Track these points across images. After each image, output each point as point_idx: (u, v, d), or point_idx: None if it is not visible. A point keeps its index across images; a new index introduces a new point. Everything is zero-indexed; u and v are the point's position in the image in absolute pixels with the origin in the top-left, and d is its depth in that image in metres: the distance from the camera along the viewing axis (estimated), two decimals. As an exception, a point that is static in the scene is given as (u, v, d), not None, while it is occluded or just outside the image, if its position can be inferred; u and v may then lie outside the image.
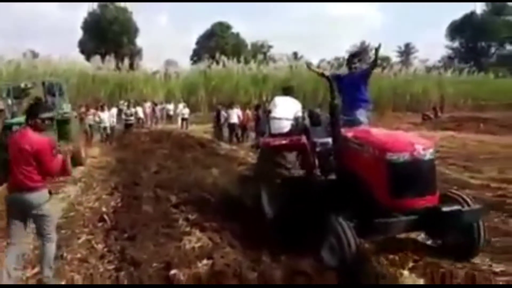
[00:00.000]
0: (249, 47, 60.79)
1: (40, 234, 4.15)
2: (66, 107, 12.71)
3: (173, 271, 4.23)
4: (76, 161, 11.58)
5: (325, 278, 3.88)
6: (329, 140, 5.15)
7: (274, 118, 6.19)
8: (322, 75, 5.54)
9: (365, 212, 4.18)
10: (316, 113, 6.13)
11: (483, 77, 44.47)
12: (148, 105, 26.59)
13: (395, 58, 67.32)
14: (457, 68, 48.03)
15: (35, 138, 4.02)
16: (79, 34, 52.17)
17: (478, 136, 19.01)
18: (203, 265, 4.47)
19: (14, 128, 9.47)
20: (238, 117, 18.83)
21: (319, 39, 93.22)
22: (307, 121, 5.95)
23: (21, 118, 10.00)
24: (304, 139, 5.63)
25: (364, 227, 4.09)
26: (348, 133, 4.85)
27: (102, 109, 19.58)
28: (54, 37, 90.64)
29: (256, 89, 33.46)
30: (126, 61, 34.65)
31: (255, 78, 34.23)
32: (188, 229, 5.68)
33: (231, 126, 18.64)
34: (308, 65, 6.38)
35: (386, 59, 63.89)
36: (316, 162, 5.49)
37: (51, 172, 4.18)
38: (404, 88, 37.36)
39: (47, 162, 4.01)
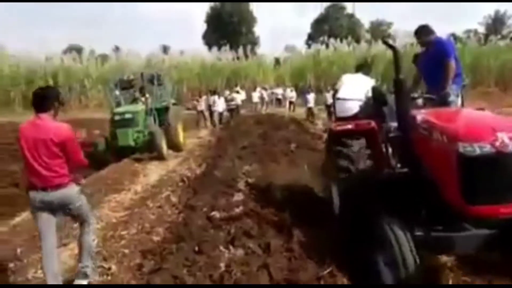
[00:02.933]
0: (366, 26, 60.06)
1: (78, 222, 3.98)
2: (166, 96, 13.75)
3: (213, 213, 5.67)
4: (175, 146, 12.46)
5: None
6: None
7: (339, 99, 5.49)
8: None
9: (431, 219, 3.39)
10: (380, 90, 5.33)
11: None
12: (258, 90, 28.47)
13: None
14: None
15: (57, 127, 3.57)
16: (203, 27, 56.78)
17: None
18: (239, 211, 5.82)
19: (116, 117, 11.23)
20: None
21: (450, 11, 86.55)
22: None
23: (127, 107, 12.12)
24: (373, 123, 4.76)
25: (424, 240, 3.24)
26: (419, 115, 3.88)
27: (213, 94, 21.61)
28: (185, 32, 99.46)
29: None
30: (241, 50, 37.19)
31: (363, 59, 34.05)
32: (242, 186, 7.06)
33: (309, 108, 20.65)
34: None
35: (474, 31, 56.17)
36: (390, 151, 4.56)
37: (83, 162, 3.77)
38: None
39: (77, 151, 3.64)
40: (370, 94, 5.26)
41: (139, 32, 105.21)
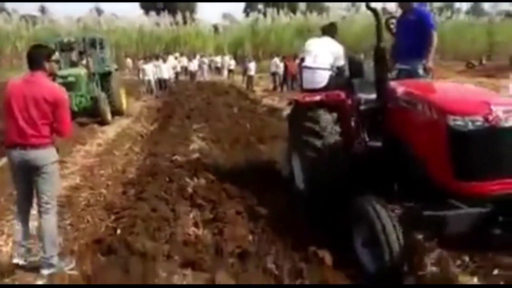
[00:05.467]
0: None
1: (38, 202, 3.52)
2: (108, 61, 13.45)
3: (175, 157, 6.90)
4: (118, 111, 12.41)
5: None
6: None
7: (306, 67, 5.07)
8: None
9: (415, 196, 3.23)
10: (358, 59, 5.03)
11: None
12: (197, 57, 29.20)
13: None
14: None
15: (52, 86, 3.48)
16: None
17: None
18: (196, 156, 7.09)
19: (58, 80, 10.33)
20: (277, 66, 20.75)
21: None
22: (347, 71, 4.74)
23: (70, 70, 11.75)
24: (343, 94, 4.47)
25: (413, 220, 3.05)
26: (398, 86, 3.76)
27: (157, 60, 21.73)
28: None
29: (300, 41, 35.07)
30: (180, 16, 37.37)
31: (300, 29, 35.78)
32: (195, 139, 8.33)
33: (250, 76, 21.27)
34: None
35: (450, 5, 62.33)
36: (359, 124, 4.29)
37: (67, 131, 3.56)
38: (453, 37, 37.09)
39: (66, 117, 3.48)
40: (339, 62, 4.99)
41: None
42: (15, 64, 32.03)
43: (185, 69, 26.79)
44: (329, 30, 5.39)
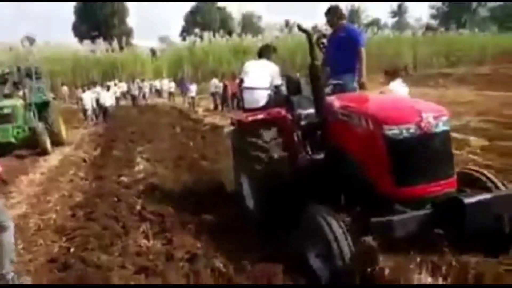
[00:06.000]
0: (238, 19, 63.31)
1: None
2: (45, 91, 13.16)
3: (121, 178, 7.12)
4: (57, 141, 12.14)
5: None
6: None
7: (246, 88, 5.27)
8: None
9: (361, 204, 3.37)
10: (294, 78, 5.28)
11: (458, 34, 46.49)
12: (136, 82, 29.13)
13: (389, 19, 70.20)
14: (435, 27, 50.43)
15: None
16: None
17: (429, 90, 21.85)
18: (141, 176, 7.33)
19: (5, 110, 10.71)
20: (216, 86, 21.24)
21: (313, 8, 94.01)
22: (284, 89, 5.07)
23: (4, 102, 11.36)
24: (283, 111, 4.72)
25: (361, 227, 3.13)
26: (335, 101, 3.93)
27: (94, 87, 21.60)
28: (50, 22, 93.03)
29: (237, 61, 35.94)
30: (116, 42, 37.12)
31: (236, 50, 36.67)
32: (140, 160, 8.57)
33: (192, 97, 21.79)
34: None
35: (377, 21, 66.87)
36: (301, 139, 4.54)
37: None
38: (377, 51, 39.48)
39: None
40: (276, 82, 5.20)
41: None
42: None
43: (124, 94, 26.67)
44: (265, 52, 5.60)
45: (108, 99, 19.25)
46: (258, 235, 4.32)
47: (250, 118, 4.73)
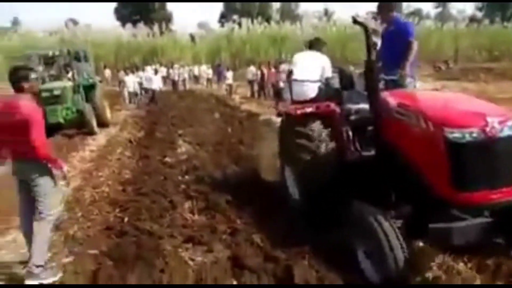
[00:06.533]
0: (277, 5, 63.17)
1: (35, 210, 3.66)
2: (92, 73, 13.81)
3: (166, 158, 7.62)
4: (102, 122, 12.72)
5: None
6: (366, 106, 4.11)
7: (296, 80, 5.25)
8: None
9: (414, 205, 3.35)
10: (348, 71, 5.04)
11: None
12: (176, 67, 29.80)
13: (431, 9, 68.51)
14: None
15: (25, 104, 3.55)
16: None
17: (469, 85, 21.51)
18: (184, 157, 7.82)
19: (43, 94, 10.75)
20: (253, 74, 21.60)
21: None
22: (336, 83, 4.88)
23: (54, 84, 12.03)
24: (333, 105, 4.63)
25: (415, 231, 3.18)
26: (391, 98, 3.79)
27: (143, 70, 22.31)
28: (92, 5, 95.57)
29: (275, 50, 36.15)
30: (156, 27, 37.99)
31: (274, 39, 36.85)
32: (182, 143, 9.07)
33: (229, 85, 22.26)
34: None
35: (418, 11, 65.26)
36: (350, 134, 4.45)
37: (38, 148, 3.49)
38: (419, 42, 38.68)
39: (34, 133, 3.47)
40: (327, 74, 5.20)
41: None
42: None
43: (164, 79, 27.37)
44: (316, 44, 5.59)
45: (156, 82, 19.61)
46: (298, 222, 4.43)
47: (298, 111, 4.69)
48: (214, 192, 5.56)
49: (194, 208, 5.17)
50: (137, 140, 10.33)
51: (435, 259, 3.18)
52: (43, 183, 3.63)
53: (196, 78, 31.07)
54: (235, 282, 3.44)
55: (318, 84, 5.14)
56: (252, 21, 39.67)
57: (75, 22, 45.08)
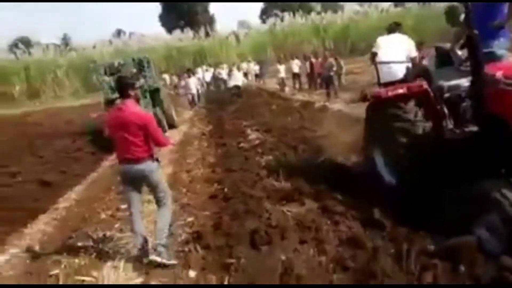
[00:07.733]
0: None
1: (156, 201, 4.29)
2: (156, 78, 14.52)
3: (241, 144, 8.73)
4: (170, 123, 13.35)
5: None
6: (460, 82, 4.11)
7: (381, 63, 5.26)
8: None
9: None
10: (445, 48, 4.91)
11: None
12: (225, 66, 31.06)
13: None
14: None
15: (140, 112, 4.15)
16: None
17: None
18: (257, 142, 8.87)
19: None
20: (299, 67, 22.39)
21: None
22: (427, 62, 4.93)
23: None
24: (425, 84, 4.53)
25: None
26: (494, 70, 3.70)
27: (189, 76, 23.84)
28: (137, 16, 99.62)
29: (318, 39, 36.80)
30: (202, 30, 39.64)
31: (316, 29, 37.48)
32: (250, 132, 10.17)
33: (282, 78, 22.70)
34: None
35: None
36: (446, 111, 4.36)
37: (162, 142, 4.27)
38: None
39: (157, 133, 4.12)
40: (412, 54, 5.32)
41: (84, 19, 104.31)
42: (58, 93, 34.78)
43: (215, 79, 28.75)
44: (395, 28, 5.71)
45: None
46: (389, 203, 4.41)
47: (390, 93, 4.66)
48: (294, 166, 6.54)
49: (280, 178, 6.16)
50: (208, 133, 11.56)
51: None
52: (159, 176, 4.34)
53: (245, 75, 32.26)
54: (329, 222, 4.39)
55: (405, 64, 5.21)
56: (294, 14, 40.47)
57: (123, 32, 47.61)
